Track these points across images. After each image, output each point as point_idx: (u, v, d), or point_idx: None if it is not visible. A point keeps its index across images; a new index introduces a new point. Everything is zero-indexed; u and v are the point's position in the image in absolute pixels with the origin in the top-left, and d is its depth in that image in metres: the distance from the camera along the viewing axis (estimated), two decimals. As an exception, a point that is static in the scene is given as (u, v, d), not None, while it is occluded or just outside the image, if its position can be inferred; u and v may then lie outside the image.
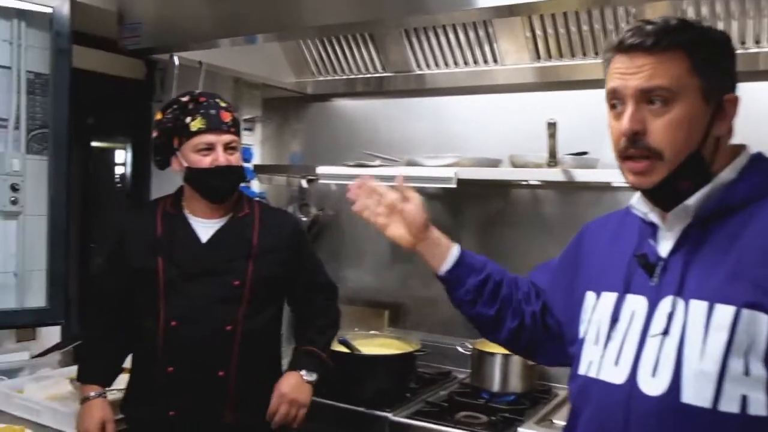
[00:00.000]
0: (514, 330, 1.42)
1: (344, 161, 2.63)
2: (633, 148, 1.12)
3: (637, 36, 1.11)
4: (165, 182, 2.41)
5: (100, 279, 2.00)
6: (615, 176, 2.04)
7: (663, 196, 1.16)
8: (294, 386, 1.88)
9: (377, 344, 2.52)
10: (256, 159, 3.18)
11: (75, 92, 2.37)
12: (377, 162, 2.57)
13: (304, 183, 3.00)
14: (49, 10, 2.28)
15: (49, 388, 2.12)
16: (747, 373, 1.03)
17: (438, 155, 2.47)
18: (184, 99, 1.83)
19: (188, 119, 1.80)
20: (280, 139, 3.24)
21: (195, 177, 1.84)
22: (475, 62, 2.59)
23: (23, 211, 2.32)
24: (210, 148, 1.81)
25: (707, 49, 1.12)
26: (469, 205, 2.74)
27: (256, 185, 3.13)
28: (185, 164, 1.84)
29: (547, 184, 2.53)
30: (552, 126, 2.10)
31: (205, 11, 2.25)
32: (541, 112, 2.30)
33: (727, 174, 1.14)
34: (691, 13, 2.08)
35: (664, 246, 1.18)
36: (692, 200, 1.13)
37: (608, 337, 1.19)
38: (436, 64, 2.67)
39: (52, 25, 2.27)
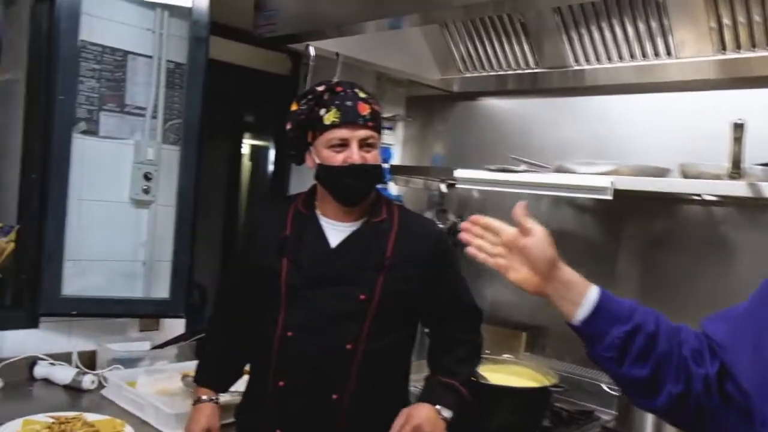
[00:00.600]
0: (677, 397, 1.08)
1: (488, 165, 2.38)
2: None
3: None
4: (305, 180, 2.29)
5: (227, 276, 1.90)
6: None
7: None
8: (429, 420, 1.63)
9: (508, 372, 2.23)
10: (396, 160, 3.01)
11: (215, 85, 2.35)
12: (522, 167, 2.29)
13: (443, 187, 2.78)
14: (188, 2, 2.26)
15: (160, 383, 2.08)
16: None
17: (593, 162, 2.14)
18: (320, 89, 1.63)
19: (322, 111, 1.61)
20: (422, 139, 3.04)
21: (326, 175, 1.64)
22: (644, 56, 2.22)
23: (155, 200, 2.32)
24: (344, 144, 1.60)
25: None
26: (628, 222, 2.37)
27: (393, 188, 2.96)
28: (317, 161, 1.65)
29: (728, 200, 2.11)
30: (739, 128, 1.71)
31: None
32: (723, 113, 1.91)
33: None
34: None
35: None
36: None
37: None
38: (597, 59, 2.33)
39: (192, 13, 2.25)
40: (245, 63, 2.88)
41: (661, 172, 2.08)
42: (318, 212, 1.70)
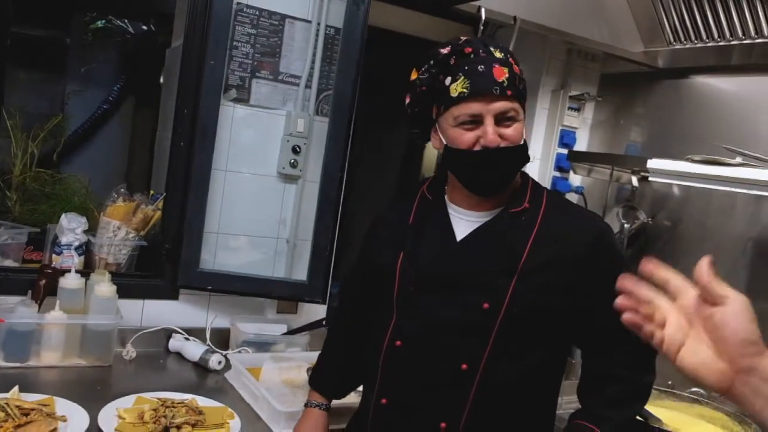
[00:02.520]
0: None
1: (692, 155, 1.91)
2: None
3: None
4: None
5: (349, 276, 1.65)
6: None
7: None
8: None
9: (693, 414, 1.77)
10: (582, 146, 2.59)
11: (369, 53, 2.13)
12: (737, 160, 1.80)
13: (634, 180, 2.32)
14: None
15: (286, 372, 1.93)
16: None
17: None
18: (444, 51, 1.29)
19: (448, 80, 1.28)
20: (615, 124, 2.60)
21: (454, 160, 1.33)
22: None
23: (303, 176, 2.16)
24: (476, 121, 1.27)
25: None
26: None
27: (575, 177, 2.56)
28: (444, 141, 1.33)
29: None
30: None
31: None
32: None
33: None
34: None
35: None
36: None
37: None
38: None
39: (351, -29, 2.04)
40: (431, 36, 2.62)
41: None
42: (447, 199, 1.40)
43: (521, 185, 1.37)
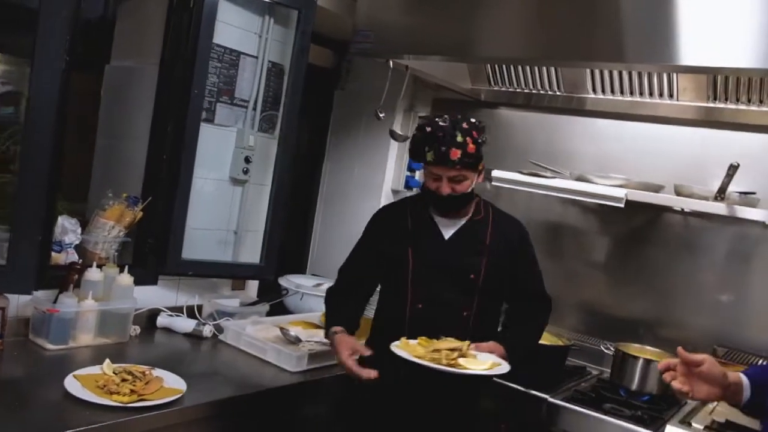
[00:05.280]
0: None
1: (503, 167, 2.95)
2: None
3: None
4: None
5: (352, 255, 2.27)
6: None
7: None
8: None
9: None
10: (422, 152, 3.52)
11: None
12: (549, 173, 2.87)
13: (468, 179, 3.33)
14: (295, 12, 2.65)
15: (262, 332, 2.53)
16: None
17: (608, 175, 2.75)
18: (429, 129, 2.01)
19: (426, 148, 2.01)
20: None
21: (426, 194, 2.12)
22: (651, 94, 2.85)
23: (249, 179, 2.72)
24: (438, 178, 2.03)
25: None
26: (620, 222, 3.01)
27: (420, 176, 3.48)
28: (423, 180, 2.12)
29: (702, 214, 2.79)
30: (734, 168, 2.37)
31: (417, 32, 2.62)
32: (703, 148, 2.72)
33: None
34: None
35: None
36: None
37: None
38: (612, 91, 2.95)
39: (299, 24, 2.64)
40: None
41: (657, 188, 2.73)
42: (432, 211, 2.15)
43: (477, 203, 2.21)
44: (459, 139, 2.00)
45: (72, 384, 1.77)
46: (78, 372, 1.85)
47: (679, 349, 1.61)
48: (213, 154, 2.61)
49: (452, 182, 2.03)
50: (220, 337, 2.48)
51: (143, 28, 2.57)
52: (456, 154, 1.99)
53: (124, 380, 1.82)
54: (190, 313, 2.61)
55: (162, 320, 2.51)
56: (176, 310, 2.58)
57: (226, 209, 2.72)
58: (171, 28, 2.43)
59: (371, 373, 1.95)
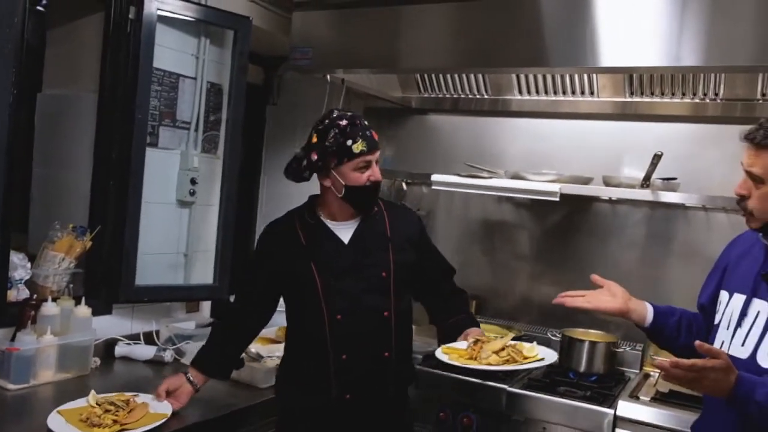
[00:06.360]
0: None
1: (436, 170, 3.08)
2: (740, 205, 1.66)
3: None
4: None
5: (244, 280, 2.18)
6: (690, 199, 2.69)
7: (764, 234, 1.68)
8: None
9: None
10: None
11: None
12: (485, 174, 3.01)
13: (404, 185, 3.43)
14: (231, 32, 2.68)
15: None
16: None
17: (542, 171, 2.92)
18: (343, 123, 1.93)
19: (349, 142, 1.92)
20: (377, 144, 3.67)
21: (354, 193, 1.97)
22: (573, 93, 3.04)
23: (195, 201, 2.72)
24: (367, 165, 1.96)
25: None
26: (553, 214, 3.20)
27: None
28: (343, 182, 1.95)
29: (629, 201, 3.00)
30: (657, 157, 2.57)
31: (352, 47, 2.74)
32: (623, 140, 2.95)
33: None
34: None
35: None
36: None
37: (738, 325, 1.68)
38: (537, 92, 3.12)
39: (236, 44, 2.67)
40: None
41: (587, 180, 2.92)
42: (323, 218, 2.04)
43: None
44: (366, 122, 2.01)
45: (55, 420, 1.74)
46: (62, 407, 1.82)
47: (593, 275, 1.94)
48: (159, 178, 2.59)
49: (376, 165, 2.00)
50: (183, 360, 2.46)
51: (77, 55, 2.53)
52: (376, 135, 2.00)
53: (107, 411, 1.80)
54: (148, 339, 2.57)
55: (120, 349, 2.47)
56: (133, 337, 2.54)
57: (175, 232, 2.70)
58: (109, 53, 2.40)
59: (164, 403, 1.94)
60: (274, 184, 3.59)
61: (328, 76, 2.85)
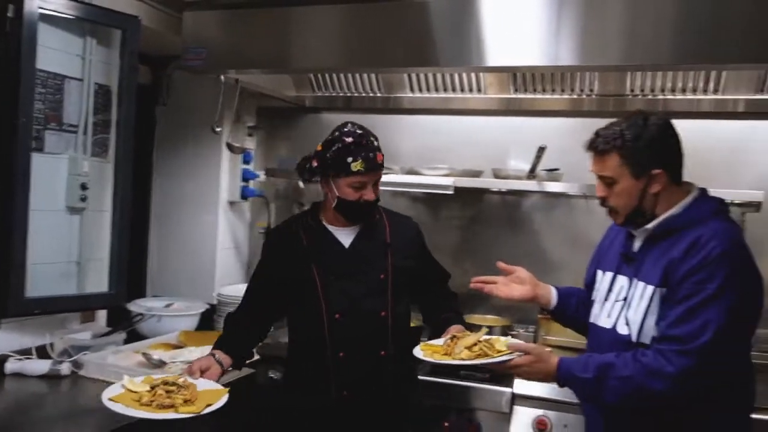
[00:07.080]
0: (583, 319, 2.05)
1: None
2: (603, 205, 1.86)
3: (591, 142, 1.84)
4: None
5: (252, 282, 2.27)
6: (572, 189, 2.88)
7: (627, 227, 1.88)
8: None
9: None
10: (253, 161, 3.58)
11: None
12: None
13: (301, 184, 3.45)
14: (119, 32, 2.60)
15: (124, 360, 2.46)
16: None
17: (436, 166, 3.04)
18: (349, 140, 2.03)
19: (350, 159, 2.01)
20: (271, 144, 3.66)
21: (343, 206, 2.09)
22: (462, 90, 3.18)
23: (87, 206, 2.62)
24: (362, 186, 2.05)
25: (634, 146, 1.76)
26: (448, 207, 3.33)
27: (256, 183, 3.54)
28: (336, 193, 2.07)
29: (517, 192, 3.18)
30: (542, 150, 2.74)
31: (244, 48, 2.75)
32: (509, 133, 3.12)
33: (674, 210, 1.80)
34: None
35: (636, 247, 1.88)
36: (651, 225, 1.81)
37: (605, 299, 1.90)
38: (428, 89, 3.24)
39: (125, 44, 2.59)
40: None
41: (478, 174, 3.07)
42: (325, 223, 2.17)
43: None
44: (376, 143, 2.10)
45: (116, 407, 1.74)
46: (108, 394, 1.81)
47: (499, 263, 2.10)
48: (46, 184, 2.48)
49: (374, 187, 2.10)
50: (81, 372, 2.37)
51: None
52: (380, 157, 2.09)
53: (168, 392, 1.78)
54: (42, 353, 2.45)
55: (11, 366, 2.33)
56: (24, 352, 2.41)
57: (66, 240, 2.59)
58: (-13, 55, 2.27)
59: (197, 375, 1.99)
60: (167, 187, 3.51)
61: (222, 77, 2.82)
